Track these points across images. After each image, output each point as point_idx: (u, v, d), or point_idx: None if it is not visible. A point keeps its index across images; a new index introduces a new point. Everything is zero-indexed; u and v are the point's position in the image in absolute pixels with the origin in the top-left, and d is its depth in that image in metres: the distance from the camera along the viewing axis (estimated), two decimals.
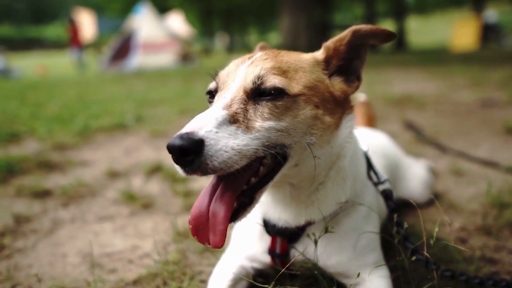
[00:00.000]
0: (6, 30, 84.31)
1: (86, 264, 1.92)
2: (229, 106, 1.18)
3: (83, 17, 26.80)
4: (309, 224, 1.41)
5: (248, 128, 1.15)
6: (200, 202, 1.20)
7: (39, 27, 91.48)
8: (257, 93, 1.21)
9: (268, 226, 1.48)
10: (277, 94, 1.20)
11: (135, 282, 1.74)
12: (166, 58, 19.38)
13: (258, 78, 1.21)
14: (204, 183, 1.15)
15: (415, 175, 2.32)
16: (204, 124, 1.09)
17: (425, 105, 5.99)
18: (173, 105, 6.96)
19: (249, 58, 1.32)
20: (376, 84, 8.42)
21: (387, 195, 1.57)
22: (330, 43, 1.40)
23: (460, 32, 22.19)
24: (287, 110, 1.20)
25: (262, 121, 1.17)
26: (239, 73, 1.26)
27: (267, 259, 1.52)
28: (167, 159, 3.53)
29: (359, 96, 2.66)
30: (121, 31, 21.64)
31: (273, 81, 1.20)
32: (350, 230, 1.45)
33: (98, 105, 7.30)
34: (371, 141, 1.82)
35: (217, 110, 1.16)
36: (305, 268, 1.48)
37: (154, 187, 2.98)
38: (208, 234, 1.14)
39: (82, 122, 5.39)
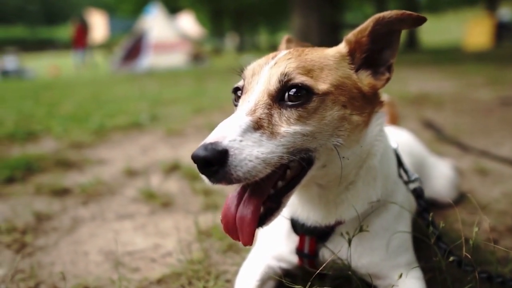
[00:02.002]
0: (19, 31, 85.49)
1: (108, 263, 1.90)
2: (253, 111, 1.13)
3: (95, 17, 27.06)
4: (339, 223, 1.37)
5: (272, 134, 1.11)
6: (229, 203, 1.19)
7: (52, 28, 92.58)
8: (282, 95, 1.17)
9: (296, 225, 1.45)
10: (303, 96, 1.15)
11: (159, 281, 1.72)
12: (177, 58, 19.44)
13: (285, 76, 1.16)
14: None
15: (441, 174, 2.27)
16: (228, 132, 1.06)
17: (442, 104, 5.88)
18: (187, 104, 6.96)
19: (272, 58, 1.27)
20: (391, 83, 8.27)
21: (418, 193, 1.52)
22: (351, 35, 1.32)
23: (473, 30, 21.82)
24: (314, 113, 1.15)
25: (287, 126, 1.13)
26: (263, 74, 1.22)
27: (294, 259, 1.49)
28: (185, 157, 3.52)
29: (382, 97, 2.61)
30: (132, 31, 21.78)
31: (300, 79, 1.16)
32: (381, 230, 1.41)
33: (112, 105, 7.34)
34: (396, 139, 1.78)
35: (241, 116, 1.12)
36: (334, 268, 1.44)
37: (173, 185, 2.96)
38: (237, 234, 1.15)
39: (97, 121, 5.42)
